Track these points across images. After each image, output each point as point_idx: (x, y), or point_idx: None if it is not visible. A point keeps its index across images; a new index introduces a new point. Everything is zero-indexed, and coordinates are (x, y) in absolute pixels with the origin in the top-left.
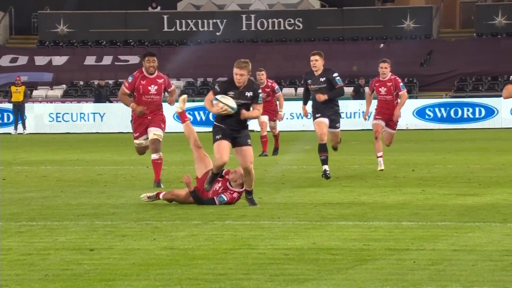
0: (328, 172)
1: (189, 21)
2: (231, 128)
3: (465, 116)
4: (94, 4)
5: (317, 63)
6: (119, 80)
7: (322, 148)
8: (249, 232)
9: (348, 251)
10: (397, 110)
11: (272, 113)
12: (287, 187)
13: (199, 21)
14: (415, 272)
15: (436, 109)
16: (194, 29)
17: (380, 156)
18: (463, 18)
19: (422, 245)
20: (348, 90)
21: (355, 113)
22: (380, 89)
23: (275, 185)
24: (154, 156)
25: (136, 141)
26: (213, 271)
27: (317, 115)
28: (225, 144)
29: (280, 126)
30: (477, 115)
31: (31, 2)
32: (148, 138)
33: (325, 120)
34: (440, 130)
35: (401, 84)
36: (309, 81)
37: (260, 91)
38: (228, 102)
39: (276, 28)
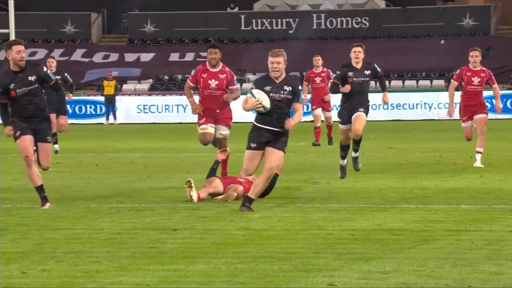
0: (345, 167)
1: (264, 20)
2: (270, 130)
3: None
4: (177, 5)
5: (359, 54)
6: None
7: (344, 148)
8: (318, 214)
9: (410, 232)
10: (498, 103)
11: (327, 102)
12: (353, 173)
13: (273, 20)
14: (473, 251)
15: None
16: (269, 27)
17: (479, 152)
18: None
19: (479, 227)
20: (440, 82)
21: (417, 104)
22: (473, 78)
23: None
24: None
25: (200, 128)
26: (285, 249)
27: (344, 118)
28: (254, 155)
29: None
30: None
31: (121, 4)
32: (213, 126)
33: (348, 127)
34: (498, 120)
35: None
36: (350, 73)
37: (300, 88)
38: (262, 98)
39: (344, 26)
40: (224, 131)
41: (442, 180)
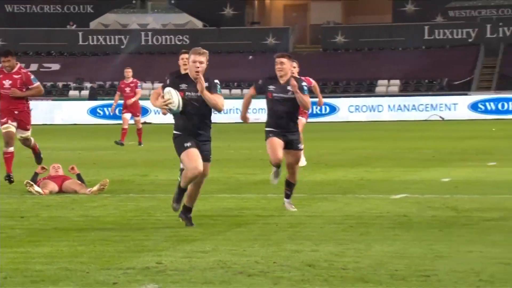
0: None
1: (99, 36)
2: (194, 135)
3: (323, 111)
4: (23, 22)
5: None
6: (43, 83)
7: None
8: (149, 203)
9: (226, 217)
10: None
11: (137, 108)
12: (178, 167)
13: (107, 36)
14: (278, 233)
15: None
16: (103, 43)
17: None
18: (312, 36)
19: (282, 212)
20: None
21: (231, 110)
22: None
23: (170, 165)
24: (9, 149)
25: (3, 127)
26: (120, 233)
27: None
28: (196, 152)
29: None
30: (323, 112)
31: None
32: (14, 124)
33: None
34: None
35: None
36: (183, 86)
37: (216, 81)
38: (171, 98)
39: (168, 43)
40: (22, 134)
41: (252, 174)
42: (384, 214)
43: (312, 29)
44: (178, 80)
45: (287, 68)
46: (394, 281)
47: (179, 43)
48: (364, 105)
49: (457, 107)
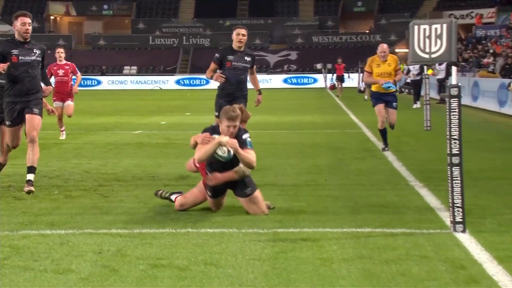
0: None
1: None
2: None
3: (89, 83)
4: None
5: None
6: None
7: None
8: None
9: None
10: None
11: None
12: None
13: None
14: (66, 153)
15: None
16: None
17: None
18: (86, 40)
19: (69, 141)
20: None
21: None
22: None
23: None
24: None
25: None
26: None
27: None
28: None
29: None
30: (88, 83)
31: None
32: None
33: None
34: None
35: None
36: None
37: (246, 136)
38: (220, 153)
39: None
40: None
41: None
42: (129, 142)
43: (85, 36)
44: (227, 52)
45: None
46: (135, 180)
47: None
48: (116, 80)
49: (168, 82)
